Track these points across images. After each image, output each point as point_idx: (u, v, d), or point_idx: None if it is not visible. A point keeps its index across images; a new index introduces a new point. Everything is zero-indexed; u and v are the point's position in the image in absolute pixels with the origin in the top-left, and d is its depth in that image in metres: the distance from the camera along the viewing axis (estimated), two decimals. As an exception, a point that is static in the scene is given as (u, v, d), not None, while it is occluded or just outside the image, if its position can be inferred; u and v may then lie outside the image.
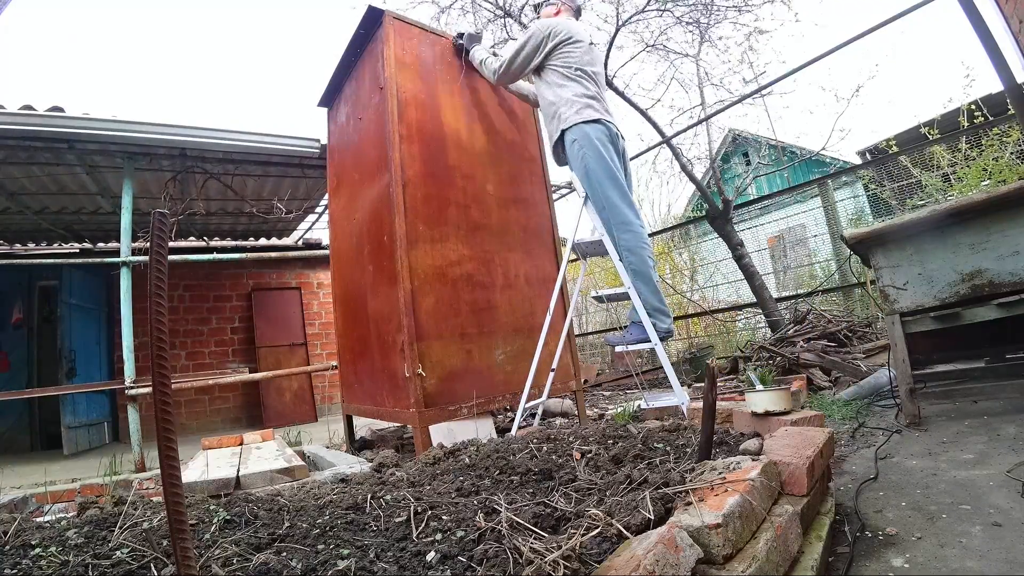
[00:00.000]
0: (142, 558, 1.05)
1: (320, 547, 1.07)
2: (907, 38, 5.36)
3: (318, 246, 7.21)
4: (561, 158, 2.84)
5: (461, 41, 3.10)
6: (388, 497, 1.38)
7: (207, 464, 2.45)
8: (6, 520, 1.33)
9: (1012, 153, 5.10)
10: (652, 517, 0.96)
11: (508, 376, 2.86)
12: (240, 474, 2.22)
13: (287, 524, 1.21)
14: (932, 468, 1.66)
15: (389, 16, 2.88)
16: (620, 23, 4.94)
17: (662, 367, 2.34)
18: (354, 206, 3.21)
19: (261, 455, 2.69)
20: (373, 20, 2.95)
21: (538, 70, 2.85)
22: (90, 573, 0.99)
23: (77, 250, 6.40)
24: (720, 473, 1.12)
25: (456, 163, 2.94)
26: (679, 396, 2.29)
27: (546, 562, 0.84)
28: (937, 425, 2.14)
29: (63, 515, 1.67)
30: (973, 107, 5.83)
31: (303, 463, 2.39)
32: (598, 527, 0.94)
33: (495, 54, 3.07)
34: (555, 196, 5.24)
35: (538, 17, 3.12)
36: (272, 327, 7.25)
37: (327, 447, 3.38)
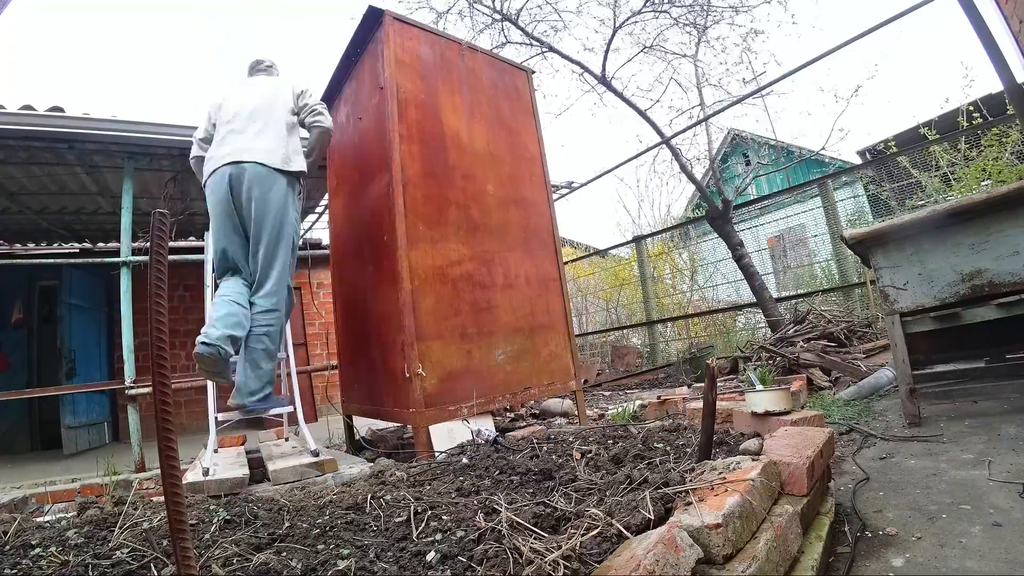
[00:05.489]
0: (142, 558, 1.05)
1: (320, 547, 1.07)
2: (906, 38, 5.35)
3: (318, 246, 7.21)
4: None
5: None
6: (388, 497, 1.38)
7: (217, 463, 2.44)
8: (6, 520, 1.33)
9: (1011, 153, 5.10)
10: (652, 517, 0.96)
11: (508, 376, 2.86)
12: (270, 469, 2.22)
13: (287, 524, 1.21)
14: (932, 468, 1.66)
15: (389, 16, 2.88)
16: (617, 25, 4.94)
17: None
18: (354, 206, 3.21)
19: (283, 451, 2.73)
20: (373, 20, 2.95)
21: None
22: (90, 573, 0.99)
23: (77, 250, 6.40)
24: (720, 473, 1.12)
25: (456, 163, 2.94)
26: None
27: (546, 562, 0.84)
28: (937, 425, 2.14)
29: (63, 515, 1.67)
30: (972, 107, 5.84)
31: (332, 457, 2.40)
32: (598, 527, 0.94)
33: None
34: (555, 196, 5.24)
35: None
36: (272, 327, 7.23)
37: (327, 447, 3.38)
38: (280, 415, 3.10)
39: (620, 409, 3.42)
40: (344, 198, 3.44)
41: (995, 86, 4.69)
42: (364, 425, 3.97)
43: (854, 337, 3.89)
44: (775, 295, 5.37)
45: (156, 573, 1.00)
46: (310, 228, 7.10)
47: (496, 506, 1.14)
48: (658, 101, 5.47)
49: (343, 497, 1.47)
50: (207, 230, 2.99)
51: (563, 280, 3.39)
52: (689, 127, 5.29)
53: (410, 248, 2.60)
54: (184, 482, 1.86)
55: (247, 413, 2.53)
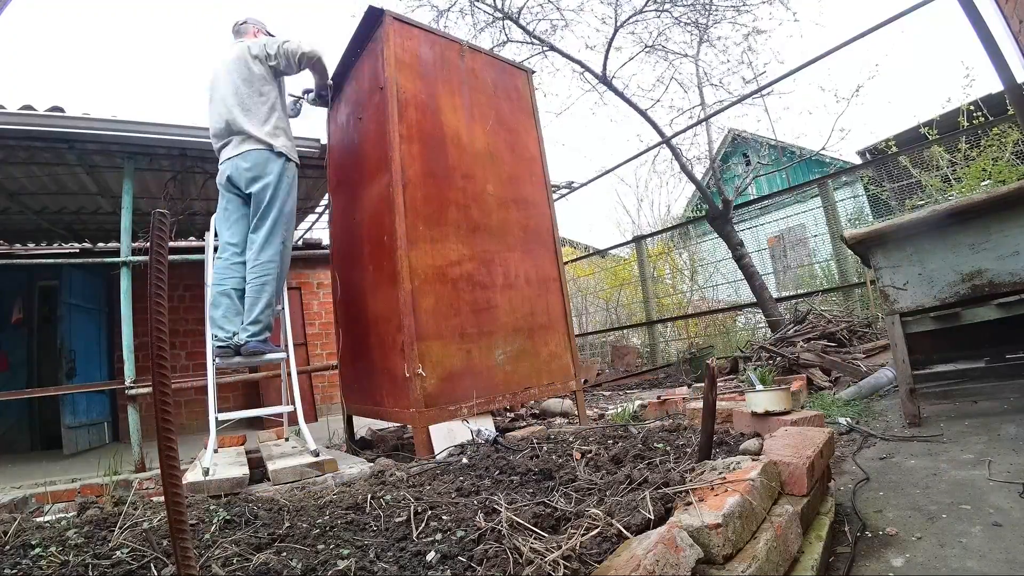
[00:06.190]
0: (142, 558, 1.05)
1: (320, 547, 1.07)
2: (906, 38, 5.35)
3: (318, 246, 7.20)
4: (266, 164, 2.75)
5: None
6: (388, 497, 1.38)
7: (217, 463, 2.44)
8: (6, 520, 1.33)
9: (1012, 153, 5.10)
10: (652, 517, 0.96)
11: (508, 376, 2.86)
12: (270, 469, 2.21)
13: (287, 524, 1.21)
14: (932, 468, 1.66)
15: (389, 16, 2.88)
16: (618, 24, 4.94)
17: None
18: (354, 206, 3.21)
19: (283, 451, 2.72)
20: (373, 20, 2.95)
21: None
22: (90, 573, 0.99)
23: (77, 250, 6.40)
24: (720, 473, 1.12)
25: (456, 163, 2.94)
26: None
27: (546, 562, 0.84)
28: (937, 425, 2.14)
29: (63, 515, 1.67)
30: (972, 107, 5.84)
31: (332, 457, 2.39)
32: (598, 527, 0.94)
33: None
34: (555, 196, 5.24)
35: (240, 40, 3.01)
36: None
37: (327, 447, 3.38)
38: (279, 415, 3.10)
39: (620, 409, 3.42)
40: (344, 198, 3.44)
41: (995, 86, 4.68)
42: (364, 425, 3.97)
43: (854, 337, 3.89)
44: (775, 295, 5.37)
45: (156, 573, 1.00)
46: (310, 228, 7.10)
47: (496, 506, 1.14)
48: (659, 101, 5.46)
49: (343, 497, 1.47)
50: (207, 230, 2.99)
51: (563, 280, 3.39)
52: (690, 127, 5.28)
53: (410, 248, 2.60)
54: (184, 482, 1.86)
55: (248, 354, 2.62)
